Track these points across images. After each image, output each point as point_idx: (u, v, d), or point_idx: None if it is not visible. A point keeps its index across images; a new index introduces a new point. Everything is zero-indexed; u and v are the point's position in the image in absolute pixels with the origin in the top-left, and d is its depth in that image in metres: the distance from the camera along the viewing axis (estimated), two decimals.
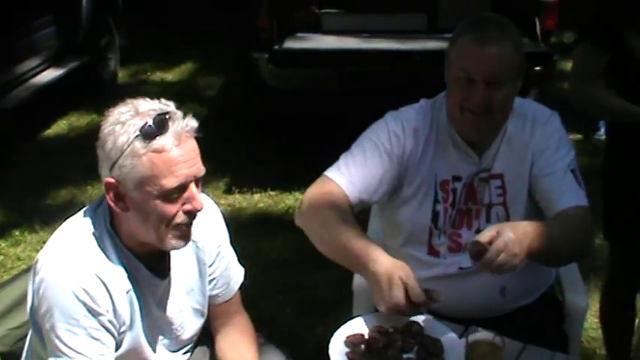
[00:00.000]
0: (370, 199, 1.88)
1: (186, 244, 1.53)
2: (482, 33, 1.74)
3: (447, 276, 1.85)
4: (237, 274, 1.79)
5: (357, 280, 2.01)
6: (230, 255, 1.77)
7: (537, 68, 4.09)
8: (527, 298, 1.93)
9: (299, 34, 4.15)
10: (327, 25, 4.22)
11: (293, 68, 4.05)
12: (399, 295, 1.51)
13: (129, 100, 1.48)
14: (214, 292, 1.74)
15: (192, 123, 1.47)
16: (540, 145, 1.85)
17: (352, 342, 1.56)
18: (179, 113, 1.46)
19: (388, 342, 1.54)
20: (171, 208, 1.45)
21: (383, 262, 1.59)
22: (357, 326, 1.62)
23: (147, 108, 1.45)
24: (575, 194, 1.79)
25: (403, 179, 1.87)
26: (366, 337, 1.57)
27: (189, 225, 1.49)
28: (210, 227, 1.69)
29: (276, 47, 4.05)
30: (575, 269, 2.07)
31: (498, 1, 4.19)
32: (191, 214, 1.48)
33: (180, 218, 1.46)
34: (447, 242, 1.87)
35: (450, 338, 1.58)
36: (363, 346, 1.55)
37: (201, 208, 1.49)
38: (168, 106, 1.47)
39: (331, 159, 1.92)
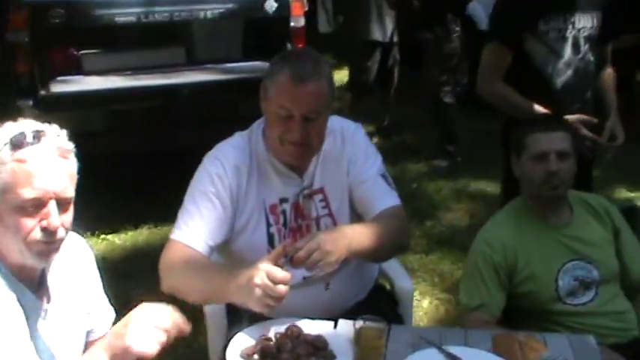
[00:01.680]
0: (220, 241, 1.97)
1: (45, 263, 1.53)
2: (299, 71, 1.87)
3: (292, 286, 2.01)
4: (109, 313, 1.79)
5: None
6: (102, 295, 1.77)
7: None
8: (360, 294, 2.15)
9: (61, 78, 4.04)
10: (88, 66, 4.16)
11: (60, 113, 3.91)
12: (262, 282, 1.61)
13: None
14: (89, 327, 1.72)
15: (67, 145, 1.50)
16: (352, 155, 2.08)
17: (247, 354, 1.66)
18: (56, 133, 1.49)
19: (279, 346, 1.66)
20: (27, 222, 1.45)
21: (239, 273, 1.71)
22: (244, 340, 1.71)
23: (27, 123, 1.48)
24: (388, 196, 2.05)
25: (236, 213, 1.99)
26: (257, 346, 1.67)
27: (47, 243, 1.48)
28: (81, 266, 1.68)
29: (41, 93, 3.90)
30: (394, 260, 2.35)
31: (249, 30, 4.48)
32: (47, 232, 1.46)
33: (38, 235, 1.46)
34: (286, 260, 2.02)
35: (328, 332, 1.74)
36: (256, 356, 1.65)
37: (56, 229, 1.47)
38: (50, 127, 1.50)
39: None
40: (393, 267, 2.34)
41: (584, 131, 2.43)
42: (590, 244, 2.18)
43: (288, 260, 1.68)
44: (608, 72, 2.67)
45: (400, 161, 5.50)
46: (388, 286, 2.34)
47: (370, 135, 5.94)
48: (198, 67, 4.33)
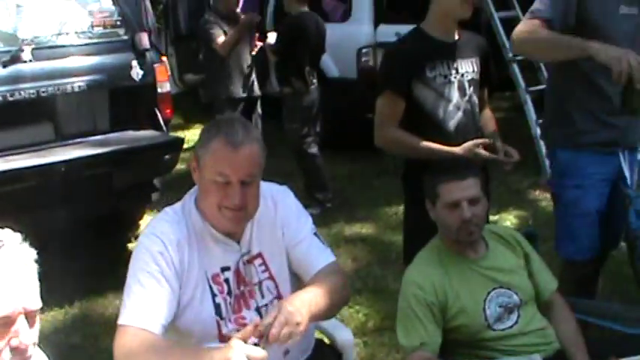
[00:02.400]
0: (171, 319, 1.93)
1: None
2: (234, 137, 1.91)
3: None
4: None
5: None
6: None
7: (167, 157, 4.41)
8: (306, 352, 2.19)
9: None
10: None
11: None
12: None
13: None
14: None
15: (29, 253, 1.42)
16: (285, 218, 2.13)
17: None
18: (17, 241, 1.41)
19: None
20: None
21: (211, 354, 1.69)
22: None
23: None
24: (324, 254, 2.13)
25: (181, 288, 1.97)
26: None
27: None
28: None
29: None
30: None
31: (117, 100, 4.40)
32: (18, 352, 1.35)
33: (7, 357, 1.35)
34: (234, 327, 2.00)
35: None
36: None
37: (27, 347, 1.37)
38: (9, 234, 1.42)
39: None
40: (330, 320, 2.39)
41: (484, 153, 2.61)
42: (507, 272, 2.37)
43: (266, 339, 1.68)
44: (487, 112, 2.92)
45: None
46: (326, 339, 2.39)
47: None
48: (68, 142, 4.18)
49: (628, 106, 2.41)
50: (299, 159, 5.66)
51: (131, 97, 4.38)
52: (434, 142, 2.61)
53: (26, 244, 1.42)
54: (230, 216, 1.96)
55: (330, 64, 6.77)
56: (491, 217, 5.12)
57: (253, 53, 5.97)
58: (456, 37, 2.72)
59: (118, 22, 4.38)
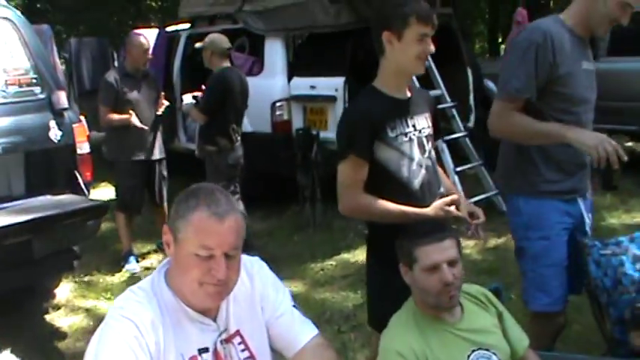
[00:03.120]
0: None
1: None
2: (218, 208, 1.79)
3: None
4: None
5: None
6: None
7: (90, 222, 4.15)
8: None
9: None
10: None
11: None
12: None
13: None
14: None
15: None
16: (262, 291, 2.01)
17: None
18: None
19: None
20: None
21: None
22: None
23: None
24: (307, 326, 2.03)
25: None
26: None
27: None
28: None
29: None
30: None
31: (34, 163, 4.12)
32: None
33: None
34: None
35: None
36: None
37: None
38: None
39: None
40: None
41: (454, 212, 2.55)
42: (484, 332, 2.33)
43: None
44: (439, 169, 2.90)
45: None
46: None
47: (152, 253, 5.90)
48: None
49: (607, 185, 2.60)
50: None
51: (50, 159, 4.12)
52: (400, 203, 2.52)
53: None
54: (211, 291, 1.82)
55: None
56: None
57: (159, 112, 5.76)
58: (408, 94, 2.65)
59: (34, 80, 4.12)
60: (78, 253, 4.25)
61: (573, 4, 2.74)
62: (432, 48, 2.50)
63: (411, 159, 2.56)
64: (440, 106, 6.65)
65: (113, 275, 5.43)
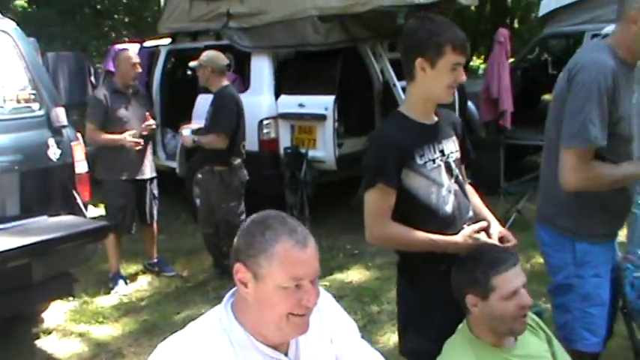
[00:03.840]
0: None
1: None
2: (297, 235, 1.70)
3: None
4: None
5: None
6: None
7: (90, 245, 4.00)
8: None
9: None
10: None
11: None
12: None
13: None
14: None
15: None
16: (332, 322, 1.93)
17: None
18: None
19: None
20: None
21: None
22: None
23: None
24: (377, 356, 1.97)
25: None
26: None
27: None
28: None
29: None
30: None
31: (32, 183, 3.95)
32: None
33: None
34: None
35: None
36: None
37: None
38: None
39: None
40: None
41: (484, 239, 2.47)
42: (538, 358, 2.29)
43: None
44: (470, 188, 2.78)
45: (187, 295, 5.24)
46: None
47: (140, 273, 5.73)
48: None
49: None
50: (232, 232, 5.32)
51: (48, 178, 3.96)
52: (431, 230, 2.44)
53: None
54: (300, 322, 1.72)
55: None
56: None
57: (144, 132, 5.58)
58: (435, 119, 2.59)
59: (32, 96, 3.95)
60: (75, 276, 4.08)
61: (617, 28, 2.60)
62: (464, 77, 2.46)
63: (441, 185, 2.49)
64: None
65: (102, 298, 5.24)
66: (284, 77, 6.76)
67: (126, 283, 5.47)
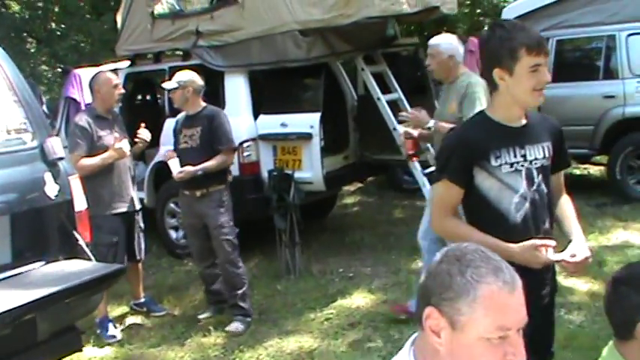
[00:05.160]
0: None
1: None
2: (504, 275, 1.41)
3: None
4: None
5: None
6: None
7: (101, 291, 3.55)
8: None
9: None
10: None
11: None
12: None
13: None
14: None
15: None
16: None
17: None
18: None
19: None
20: None
21: None
22: None
23: None
24: None
25: None
26: None
27: None
28: None
29: None
30: None
31: (28, 226, 3.47)
32: None
33: None
34: None
35: None
36: None
37: None
38: None
39: None
40: None
41: (544, 257, 2.34)
42: None
43: None
44: (563, 200, 2.64)
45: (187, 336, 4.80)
46: None
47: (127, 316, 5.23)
48: None
49: None
50: (231, 264, 4.96)
51: (45, 219, 3.48)
52: (498, 235, 2.33)
53: None
54: None
55: None
56: None
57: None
58: (523, 122, 2.48)
59: (24, 126, 3.47)
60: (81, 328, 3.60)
61: None
62: (548, 77, 2.38)
63: (515, 191, 2.42)
64: None
65: (93, 349, 4.71)
66: (262, 96, 6.41)
67: (115, 326, 4.96)
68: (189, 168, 4.77)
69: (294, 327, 4.92)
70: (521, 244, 2.32)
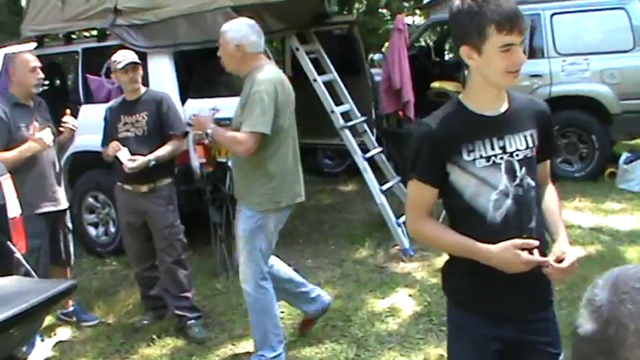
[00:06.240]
0: None
1: None
2: None
3: None
4: None
5: None
6: None
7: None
8: None
9: None
10: None
11: None
12: None
13: None
14: None
15: None
16: None
17: None
18: None
19: None
20: None
21: None
22: None
23: None
24: None
25: None
26: None
27: None
28: None
29: None
30: None
31: None
32: None
33: None
34: None
35: None
36: None
37: None
38: None
39: None
40: None
41: (526, 257, 2.11)
42: None
43: None
44: (549, 191, 2.39)
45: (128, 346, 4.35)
46: None
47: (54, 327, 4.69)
48: None
49: None
50: (180, 266, 4.55)
51: None
52: (478, 237, 2.12)
53: None
54: None
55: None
56: None
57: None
58: (504, 109, 2.21)
59: None
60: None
61: None
62: (524, 57, 2.11)
63: (493, 187, 2.17)
64: (350, 123, 6.20)
65: None
66: (191, 80, 5.94)
67: (42, 340, 4.42)
68: (140, 157, 4.28)
69: (245, 330, 4.54)
70: (500, 244, 2.10)
